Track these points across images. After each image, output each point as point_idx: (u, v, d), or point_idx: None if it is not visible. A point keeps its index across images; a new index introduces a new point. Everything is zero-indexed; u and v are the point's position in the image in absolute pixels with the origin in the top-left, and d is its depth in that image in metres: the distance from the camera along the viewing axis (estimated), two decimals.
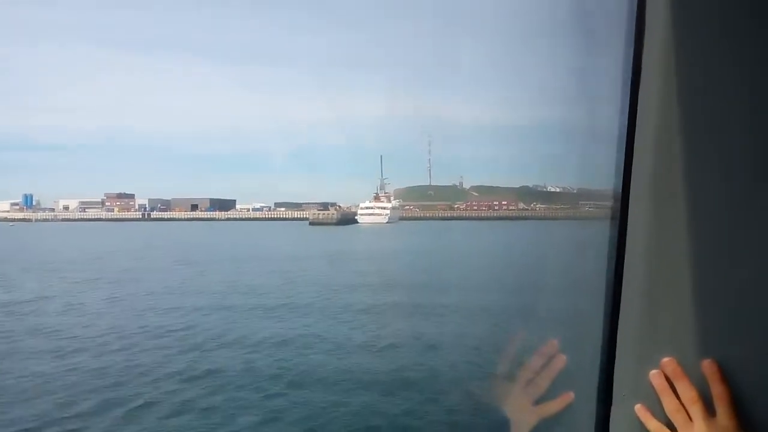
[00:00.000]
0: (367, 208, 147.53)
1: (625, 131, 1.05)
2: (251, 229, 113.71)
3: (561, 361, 1.21)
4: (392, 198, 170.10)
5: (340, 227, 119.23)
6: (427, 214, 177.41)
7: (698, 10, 0.95)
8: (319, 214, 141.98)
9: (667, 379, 1.03)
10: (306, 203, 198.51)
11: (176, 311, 22.21)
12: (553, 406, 1.22)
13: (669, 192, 1.00)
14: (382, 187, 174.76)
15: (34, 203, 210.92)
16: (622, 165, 1.06)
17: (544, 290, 1.33)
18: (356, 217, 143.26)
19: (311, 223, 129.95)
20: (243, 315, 21.41)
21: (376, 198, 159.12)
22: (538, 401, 1.23)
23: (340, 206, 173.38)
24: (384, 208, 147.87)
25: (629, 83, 1.03)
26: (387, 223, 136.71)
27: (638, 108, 1.02)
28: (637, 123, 1.02)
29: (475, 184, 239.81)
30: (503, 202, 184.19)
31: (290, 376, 13.64)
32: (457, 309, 21.50)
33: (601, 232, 1.13)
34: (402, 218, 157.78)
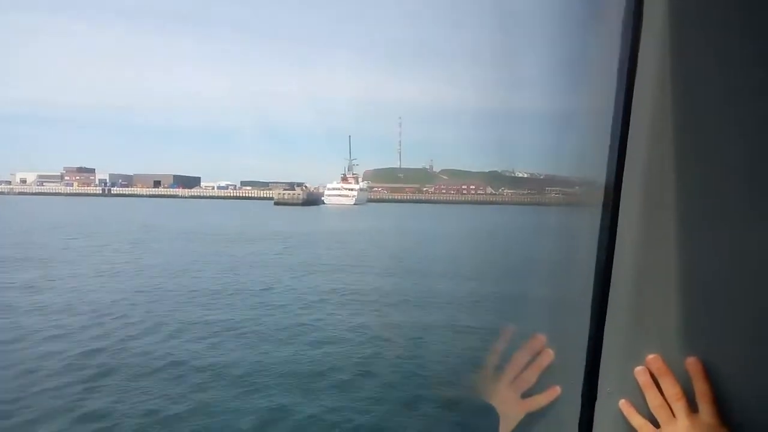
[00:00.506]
0: (334, 189, 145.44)
1: (610, 123, 1.04)
2: (208, 208, 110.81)
3: (548, 356, 1.21)
4: (360, 179, 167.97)
5: (306, 208, 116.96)
6: (396, 197, 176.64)
7: (697, 3, 0.95)
8: (284, 194, 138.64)
9: (652, 375, 1.05)
10: (274, 183, 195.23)
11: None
12: (540, 400, 1.22)
13: (661, 189, 1.00)
14: (350, 168, 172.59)
15: None
16: (615, 159, 1.05)
17: (526, 282, 1.30)
18: (323, 198, 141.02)
19: (276, 203, 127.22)
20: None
21: (344, 179, 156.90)
22: (525, 395, 1.24)
23: (306, 186, 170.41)
24: (351, 189, 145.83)
25: (623, 73, 1.01)
26: (354, 204, 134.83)
27: (633, 103, 1.02)
28: (631, 120, 1.02)
29: (446, 168, 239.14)
30: (471, 186, 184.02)
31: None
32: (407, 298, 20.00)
33: (585, 222, 1.13)
34: (370, 200, 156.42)
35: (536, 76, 1.28)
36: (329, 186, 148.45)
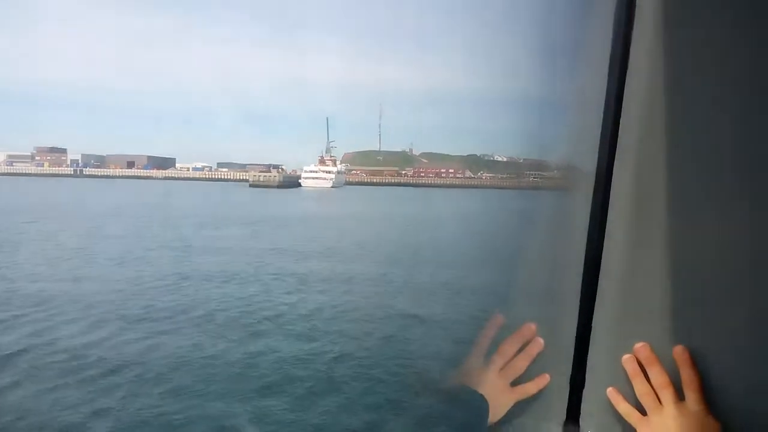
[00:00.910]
0: (311, 171, 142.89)
1: (598, 111, 1.04)
2: (178, 189, 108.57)
3: (538, 344, 1.21)
4: (338, 162, 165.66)
5: (282, 190, 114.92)
6: (375, 179, 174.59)
7: None
8: (260, 176, 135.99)
9: (640, 363, 1.06)
10: (251, 165, 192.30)
11: None
12: (529, 388, 1.23)
13: (652, 179, 1.01)
14: (328, 151, 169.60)
15: None
16: (606, 147, 1.05)
17: (513, 269, 1.29)
18: (300, 181, 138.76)
19: (251, 185, 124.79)
20: None
21: (321, 161, 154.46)
22: (514, 383, 1.24)
23: (283, 168, 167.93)
24: (329, 172, 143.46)
25: (615, 61, 1.01)
26: (332, 187, 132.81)
27: (624, 92, 1.02)
28: (622, 109, 1.02)
29: (426, 152, 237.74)
30: (450, 170, 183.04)
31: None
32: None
33: (573, 209, 1.12)
34: (348, 183, 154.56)
35: (521, 63, 1.25)
36: (306, 168, 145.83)
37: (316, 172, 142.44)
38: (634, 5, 0.98)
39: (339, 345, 12.19)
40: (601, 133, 1.05)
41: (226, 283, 18.61)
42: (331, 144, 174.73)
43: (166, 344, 12.10)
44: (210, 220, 40.98)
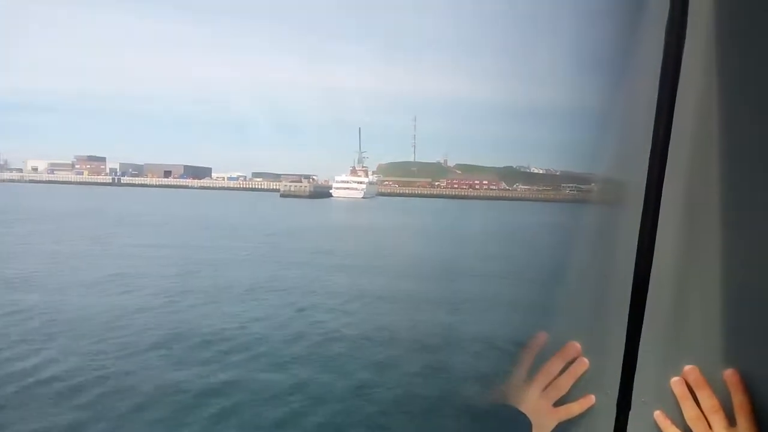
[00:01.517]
0: (342, 181, 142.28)
1: (644, 122, 1.01)
2: (211, 198, 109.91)
3: (583, 364, 1.18)
4: (370, 172, 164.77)
5: (312, 200, 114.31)
6: (407, 191, 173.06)
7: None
8: (291, 186, 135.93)
9: (689, 386, 1.03)
10: (286, 174, 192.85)
11: None
12: (574, 409, 1.20)
13: (704, 193, 0.98)
14: (360, 161, 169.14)
15: (0, 163, 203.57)
16: (656, 159, 1.01)
17: (558, 285, 1.26)
18: (331, 191, 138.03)
19: (282, 195, 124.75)
20: None
21: (353, 171, 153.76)
22: (558, 403, 1.22)
23: (314, 178, 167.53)
24: (360, 182, 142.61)
25: (667, 75, 0.98)
26: (363, 198, 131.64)
27: (676, 104, 0.99)
28: (674, 120, 0.99)
29: (460, 163, 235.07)
30: (484, 182, 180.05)
31: None
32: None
33: (621, 224, 1.09)
34: (380, 193, 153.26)
35: (563, 73, 1.24)
36: (337, 179, 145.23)
37: (348, 182, 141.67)
38: (687, 14, 0.95)
39: None
40: (652, 146, 1.00)
41: None
42: (363, 154, 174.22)
43: None
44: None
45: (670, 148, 0.99)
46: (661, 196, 1.01)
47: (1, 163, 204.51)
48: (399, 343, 13.55)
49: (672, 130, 0.98)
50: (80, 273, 21.79)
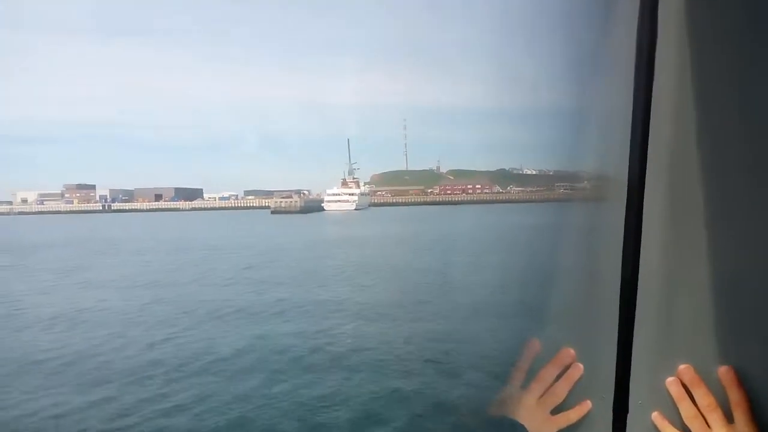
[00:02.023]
0: (333, 194, 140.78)
1: (625, 119, 1.02)
2: (198, 219, 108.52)
3: (577, 369, 1.17)
4: (362, 183, 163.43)
5: (303, 215, 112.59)
6: (400, 200, 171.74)
7: None
8: (281, 202, 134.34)
9: (684, 386, 1.03)
10: (278, 191, 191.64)
11: None
12: (571, 416, 1.18)
13: (686, 188, 0.98)
14: (350, 173, 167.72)
15: None
16: (636, 155, 1.01)
17: (546, 289, 1.24)
18: (322, 205, 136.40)
19: (273, 212, 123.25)
20: None
21: (344, 183, 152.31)
22: (555, 411, 1.20)
23: (305, 193, 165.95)
24: (351, 194, 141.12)
25: (642, 70, 0.99)
26: (355, 210, 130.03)
27: (653, 98, 0.99)
28: (651, 116, 0.99)
29: (453, 168, 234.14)
30: (477, 186, 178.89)
31: None
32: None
33: (607, 223, 1.08)
34: (372, 204, 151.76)
35: (545, 74, 1.26)
36: (329, 192, 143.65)
37: (339, 195, 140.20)
38: (657, 11, 0.96)
39: None
40: (631, 142, 1.01)
41: None
42: (354, 165, 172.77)
43: None
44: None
45: (649, 144, 0.99)
46: (643, 193, 1.00)
47: None
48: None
49: (650, 126, 0.98)
50: None
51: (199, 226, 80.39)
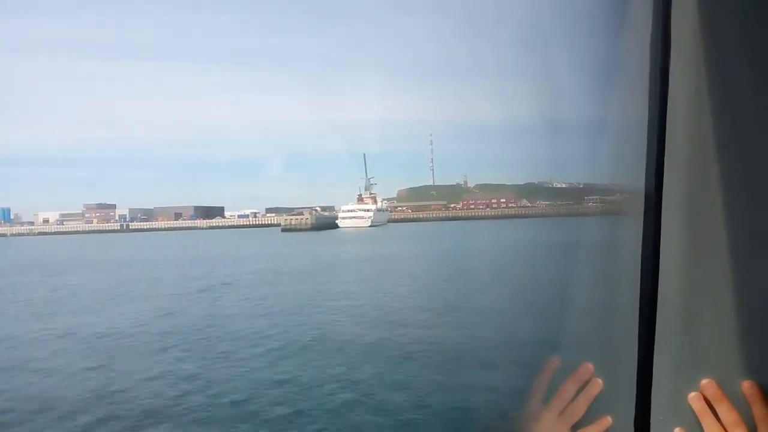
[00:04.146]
0: (348, 210, 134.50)
1: (646, 128, 1.01)
2: (207, 238, 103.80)
3: (597, 385, 1.15)
4: (380, 199, 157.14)
5: (314, 233, 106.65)
6: (421, 215, 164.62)
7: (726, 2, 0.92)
8: (291, 219, 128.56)
9: (707, 401, 1.00)
10: (300, 208, 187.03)
11: None
12: None
13: (704, 197, 0.96)
14: (367, 188, 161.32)
15: (12, 217, 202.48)
16: (653, 165, 1.00)
17: (568, 304, 1.23)
18: (337, 221, 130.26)
19: (283, 230, 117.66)
20: None
21: (360, 199, 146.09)
22: (575, 427, 1.18)
23: (317, 209, 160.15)
24: (367, 210, 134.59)
25: (656, 80, 0.98)
26: (370, 226, 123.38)
27: (668, 107, 0.98)
28: (666, 124, 0.98)
29: (480, 183, 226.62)
30: (502, 200, 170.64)
31: None
32: None
33: (628, 235, 1.07)
34: (392, 220, 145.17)
35: (567, 87, 1.27)
36: (344, 208, 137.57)
37: (353, 211, 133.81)
38: (670, 20, 0.94)
39: None
40: (647, 153, 0.99)
41: None
42: (371, 180, 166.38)
43: None
44: None
45: (666, 155, 0.97)
46: (661, 205, 0.98)
47: (12, 217, 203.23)
48: None
49: (666, 136, 0.97)
50: None
51: (174, 247, 75.49)
